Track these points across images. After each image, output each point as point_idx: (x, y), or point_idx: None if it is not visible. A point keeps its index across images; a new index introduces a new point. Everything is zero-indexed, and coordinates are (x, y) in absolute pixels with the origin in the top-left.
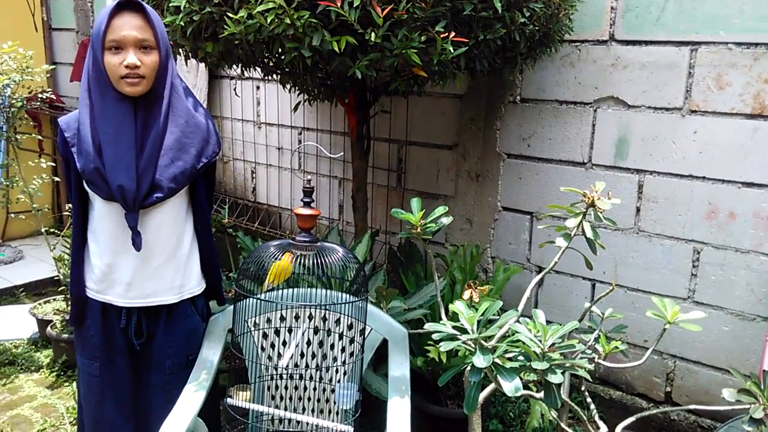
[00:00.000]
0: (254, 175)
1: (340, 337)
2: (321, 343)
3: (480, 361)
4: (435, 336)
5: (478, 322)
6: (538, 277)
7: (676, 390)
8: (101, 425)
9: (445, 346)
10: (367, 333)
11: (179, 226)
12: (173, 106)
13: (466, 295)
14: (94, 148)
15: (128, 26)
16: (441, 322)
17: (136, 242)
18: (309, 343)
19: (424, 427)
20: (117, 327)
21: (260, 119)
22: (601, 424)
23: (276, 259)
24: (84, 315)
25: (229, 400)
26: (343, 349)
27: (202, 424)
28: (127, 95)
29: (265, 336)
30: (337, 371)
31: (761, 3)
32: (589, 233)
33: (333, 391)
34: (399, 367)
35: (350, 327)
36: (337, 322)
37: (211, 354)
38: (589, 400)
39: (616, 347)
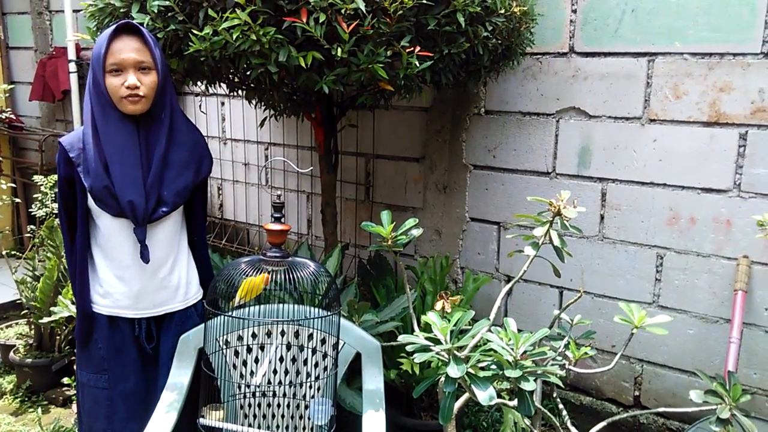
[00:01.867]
0: (221, 192)
1: (313, 352)
2: (294, 359)
3: (454, 371)
4: (409, 348)
5: (451, 332)
6: (509, 285)
7: (645, 393)
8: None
9: (419, 358)
10: (340, 347)
11: (179, 238)
12: (174, 124)
13: (439, 305)
14: (102, 166)
15: (127, 49)
16: (414, 333)
17: (145, 255)
18: (282, 360)
19: None
20: (127, 337)
21: (226, 135)
22: (573, 430)
23: (246, 275)
24: (91, 331)
25: (201, 420)
26: (316, 365)
27: None
28: (129, 114)
29: (236, 354)
30: (311, 387)
31: (714, 14)
32: (557, 241)
33: (307, 407)
34: (373, 380)
35: (323, 342)
36: (310, 337)
37: (181, 374)
38: (561, 406)
39: (586, 353)
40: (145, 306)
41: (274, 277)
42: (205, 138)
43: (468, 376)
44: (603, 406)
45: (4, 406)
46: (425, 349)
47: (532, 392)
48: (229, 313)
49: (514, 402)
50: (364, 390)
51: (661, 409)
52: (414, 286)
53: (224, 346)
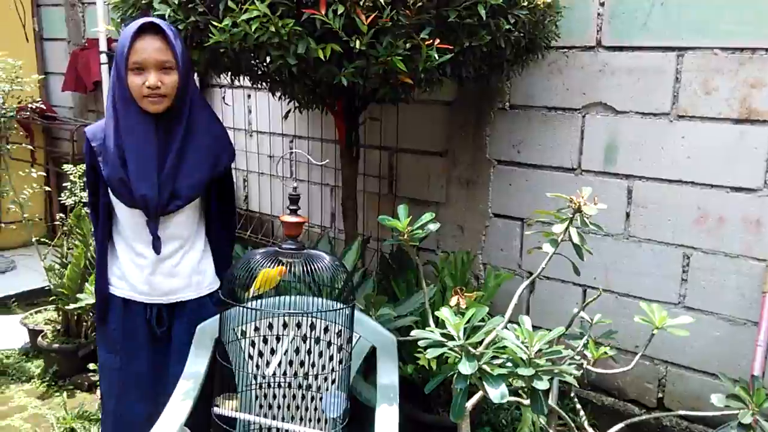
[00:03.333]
0: (246, 184)
1: (329, 345)
2: (309, 352)
3: (466, 368)
4: (421, 343)
5: (465, 328)
6: (526, 283)
7: (668, 395)
8: (124, 418)
9: (431, 353)
10: (355, 341)
11: (194, 230)
12: (193, 120)
13: (453, 301)
14: (119, 159)
15: (150, 49)
16: (428, 329)
17: (156, 246)
18: (297, 351)
19: None
20: (139, 321)
21: (252, 127)
22: (590, 430)
23: (262, 267)
24: (107, 311)
25: (216, 409)
26: (331, 357)
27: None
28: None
29: (253, 344)
30: (325, 379)
31: (745, 8)
32: (576, 239)
33: (321, 399)
34: (388, 374)
35: (339, 334)
36: (326, 329)
37: (198, 363)
38: (578, 406)
39: (605, 353)
40: (156, 293)
41: (291, 269)
42: (231, 130)
43: (480, 374)
44: (626, 407)
45: (31, 390)
46: (438, 344)
47: (546, 391)
48: (245, 304)
49: (527, 401)
50: (378, 384)
51: (681, 412)
52: (434, 282)
53: (241, 337)
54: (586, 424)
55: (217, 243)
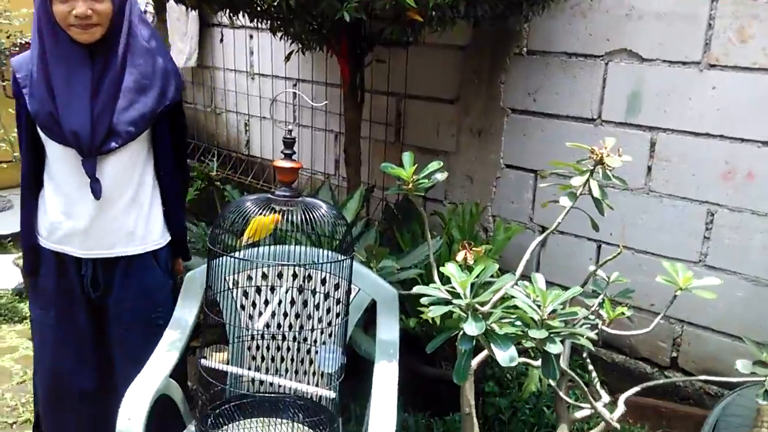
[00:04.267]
0: (248, 128)
1: (326, 297)
2: (305, 303)
3: (472, 328)
4: (425, 300)
5: (472, 285)
6: (540, 238)
7: (683, 355)
8: (61, 377)
9: (435, 311)
10: (354, 293)
11: (140, 172)
12: (131, 48)
13: (460, 256)
14: (47, 91)
15: None
16: (433, 284)
17: (95, 190)
18: (293, 303)
19: (418, 389)
20: (73, 277)
21: (254, 70)
22: (602, 392)
23: (255, 214)
24: (38, 264)
25: (203, 361)
26: (328, 310)
27: (176, 386)
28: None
29: (245, 294)
30: (322, 332)
31: None
32: (597, 192)
33: (317, 352)
34: (388, 329)
35: (336, 287)
36: (323, 281)
37: (186, 312)
38: (591, 367)
39: (622, 313)
40: (92, 246)
41: (286, 217)
42: (232, 72)
43: (487, 334)
44: (636, 366)
45: (23, 331)
46: (442, 302)
47: (558, 355)
48: (234, 254)
49: (539, 362)
50: (377, 339)
51: (703, 378)
52: (441, 234)
53: (232, 286)
54: (598, 385)
55: (169, 189)
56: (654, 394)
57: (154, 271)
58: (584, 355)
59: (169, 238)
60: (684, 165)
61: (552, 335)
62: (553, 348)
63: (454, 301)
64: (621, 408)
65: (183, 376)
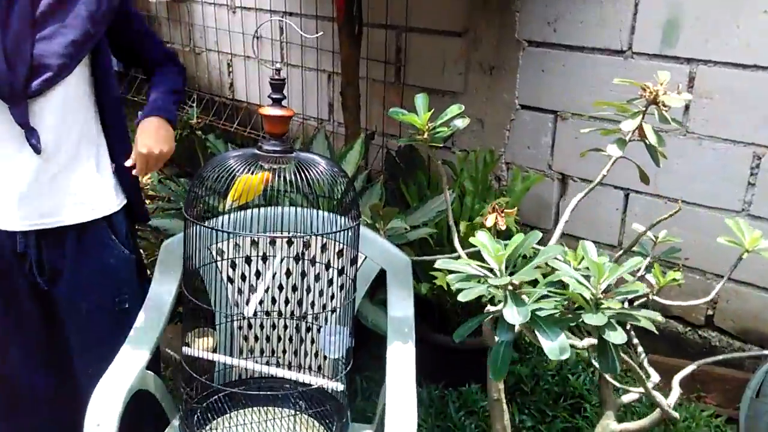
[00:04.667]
0: (231, 69)
1: (327, 267)
2: (303, 275)
3: (513, 314)
4: (452, 278)
5: (507, 259)
6: (584, 193)
7: (720, 313)
8: (7, 381)
9: (466, 294)
10: (360, 263)
11: (88, 115)
12: None
13: (490, 220)
14: None
15: None
16: (458, 258)
17: (33, 142)
18: (288, 274)
19: (428, 358)
20: (10, 258)
21: (235, 2)
22: (651, 371)
23: (240, 173)
24: None
25: (185, 349)
26: (330, 282)
27: (154, 379)
28: None
29: (233, 266)
30: (324, 308)
31: None
32: (653, 139)
33: (319, 331)
34: (400, 304)
35: (340, 254)
36: (323, 248)
37: (163, 290)
38: (636, 341)
39: (674, 279)
40: (28, 214)
41: (278, 175)
42: (210, 5)
43: (531, 319)
44: (667, 325)
45: None
46: (471, 278)
47: (618, 346)
48: (212, 224)
49: (584, 342)
50: (389, 317)
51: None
52: (451, 185)
53: (217, 257)
54: (646, 362)
55: (114, 123)
56: (687, 354)
57: (112, 245)
58: (628, 327)
59: (125, 201)
60: (727, 102)
61: (612, 321)
62: (615, 337)
63: (491, 280)
64: (676, 391)
65: (158, 365)
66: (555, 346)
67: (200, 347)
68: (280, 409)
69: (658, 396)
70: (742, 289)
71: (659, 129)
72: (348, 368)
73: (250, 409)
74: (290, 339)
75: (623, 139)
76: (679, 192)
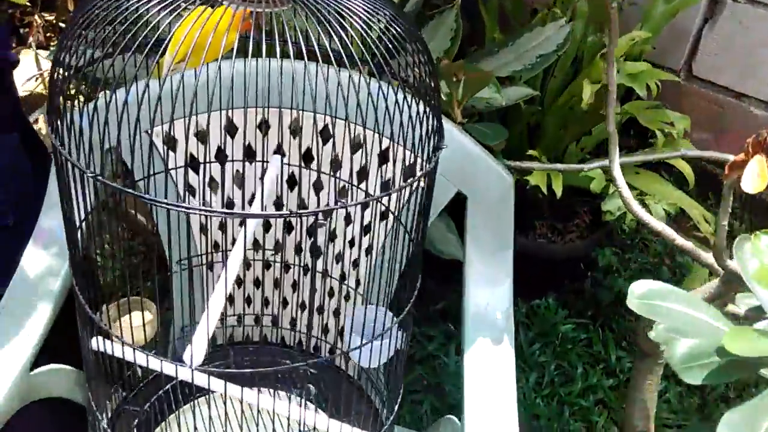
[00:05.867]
0: None
1: (360, 177)
2: (317, 192)
3: None
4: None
5: None
6: None
7: None
8: None
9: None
10: (419, 173)
11: None
12: None
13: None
14: None
15: None
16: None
17: None
18: (292, 186)
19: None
20: None
21: None
22: None
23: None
24: None
25: (93, 343)
26: (366, 206)
27: (60, 373)
28: None
29: (194, 168)
30: (355, 265)
31: None
32: None
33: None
34: (488, 269)
35: (384, 156)
36: (357, 145)
37: (54, 223)
38: None
39: None
40: None
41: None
42: None
43: None
44: None
45: None
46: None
47: None
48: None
49: None
50: (465, 308)
51: None
52: (559, 9)
53: (163, 147)
54: None
55: None
56: None
57: None
58: None
59: None
60: None
61: None
62: None
63: None
64: None
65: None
66: None
67: (124, 331)
68: (277, 391)
69: None
70: None
71: None
72: (399, 401)
73: (219, 393)
74: (293, 286)
75: None
76: None
